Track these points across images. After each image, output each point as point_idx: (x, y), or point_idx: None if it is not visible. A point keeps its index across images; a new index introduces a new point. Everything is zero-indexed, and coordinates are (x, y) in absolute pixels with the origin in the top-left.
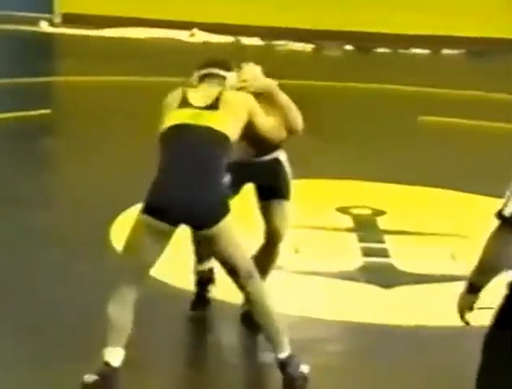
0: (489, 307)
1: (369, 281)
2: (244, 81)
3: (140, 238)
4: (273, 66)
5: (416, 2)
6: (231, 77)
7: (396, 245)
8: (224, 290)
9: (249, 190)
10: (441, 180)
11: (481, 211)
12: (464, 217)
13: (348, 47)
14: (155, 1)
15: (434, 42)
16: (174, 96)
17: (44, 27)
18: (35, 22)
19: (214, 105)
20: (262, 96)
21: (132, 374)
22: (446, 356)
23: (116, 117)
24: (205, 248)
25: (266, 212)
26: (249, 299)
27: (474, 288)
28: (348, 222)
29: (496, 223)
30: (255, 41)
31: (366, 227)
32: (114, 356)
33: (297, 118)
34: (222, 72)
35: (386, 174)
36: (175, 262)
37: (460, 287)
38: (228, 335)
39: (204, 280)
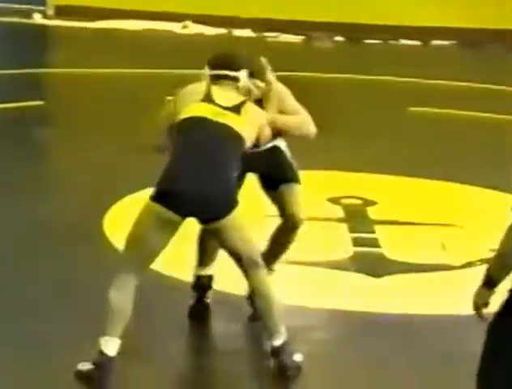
0: None
1: (359, 270)
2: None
3: (147, 227)
4: (264, 57)
5: None
6: (242, 77)
7: (387, 234)
8: (224, 281)
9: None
10: (431, 170)
11: (471, 201)
12: (454, 207)
13: (339, 38)
14: None
15: (425, 33)
16: (196, 89)
17: (37, 19)
18: (28, 14)
19: (236, 109)
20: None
21: (130, 364)
22: (436, 344)
23: (108, 108)
24: (213, 240)
25: (279, 201)
26: (252, 288)
27: (491, 282)
28: (339, 212)
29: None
30: (247, 33)
31: (357, 217)
32: (110, 345)
33: (306, 123)
34: (232, 73)
35: (376, 165)
36: (176, 254)
37: (450, 276)
38: (227, 324)
39: (203, 287)
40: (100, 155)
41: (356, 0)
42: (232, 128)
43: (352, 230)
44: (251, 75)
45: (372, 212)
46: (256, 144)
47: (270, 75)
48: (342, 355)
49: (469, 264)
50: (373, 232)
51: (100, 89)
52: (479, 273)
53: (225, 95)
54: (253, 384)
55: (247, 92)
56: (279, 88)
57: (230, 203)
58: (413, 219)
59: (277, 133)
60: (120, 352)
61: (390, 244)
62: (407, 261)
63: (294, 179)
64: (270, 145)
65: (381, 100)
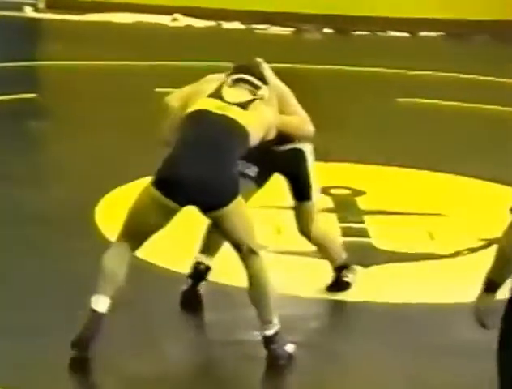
0: None
1: (348, 260)
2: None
3: (143, 208)
4: (253, 49)
5: None
6: (265, 90)
7: (375, 224)
8: (219, 272)
9: None
10: (419, 160)
11: (459, 191)
12: (442, 197)
13: (328, 30)
14: None
15: (412, 25)
16: (209, 85)
17: (28, 12)
18: (19, 7)
19: (243, 105)
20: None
21: (123, 356)
22: (425, 332)
23: (100, 100)
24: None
25: (294, 213)
26: (249, 276)
27: (492, 286)
28: (328, 202)
29: (510, 217)
30: (236, 25)
31: (346, 207)
32: (100, 302)
33: (305, 123)
34: (256, 81)
35: (365, 155)
36: (168, 245)
37: (438, 265)
38: (219, 314)
39: (199, 274)
40: (93, 146)
41: None
42: (234, 120)
43: (341, 220)
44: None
45: (361, 202)
46: (277, 143)
47: (270, 75)
48: (331, 343)
49: (457, 253)
50: (362, 222)
51: (92, 81)
52: (466, 262)
53: (235, 93)
54: (244, 373)
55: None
56: (282, 89)
57: (230, 192)
58: (402, 209)
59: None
60: (109, 343)
61: (379, 234)
62: (395, 250)
63: (307, 197)
64: (292, 146)
65: (370, 91)
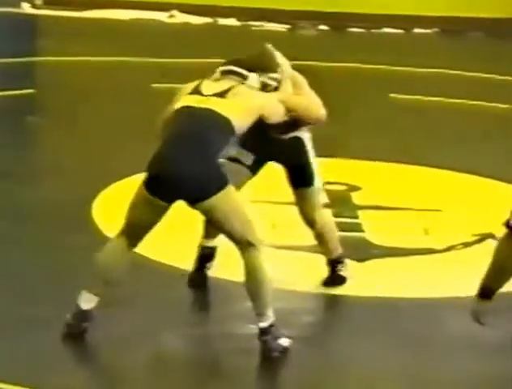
0: None
1: (343, 255)
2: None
3: (136, 206)
4: (250, 46)
5: None
6: (252, 77)
7: (370, 219)
8: (215, 266)
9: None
10: (412, 156)
11: (452, 186)
12: (436, 192)
13: (323, 27)
14: None
15: (407, 21)
16: (190, 85)
17: (26, 8)
18: (17, 4)
19: (221, 94)
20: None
21: (117, 349)
22: (419, 326)
23: (98, 96)
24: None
25: (296, 200)
26: (245, 268)
27: (487, 292)
28: (324, 198)
29: (504, 230)
30: (232, 22)
31: (341, 202)
32: (85, 299)
33: (315, 105)
34: (244, 71)
35: (360, 151)
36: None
37: (432, 259)
38: (217, 307)
39: (205, 257)
40: (90, 142)
41: None
42: (214, 111)
43: (336, 215)
44: (263, 71)
45: (356, 198)
46: (281, 131)
47: (284, 62)
48: (326, 337)
49: (451, 248)
50: (357, 217)
51: (89, 77)
52: (461, 257)
53: (214, 85)
54: (241, 367)
55: (263, 87)
56: (295, 76)
57: (215, 183)
58: (397, 204)
59: (294, 121)
60: (107, 338)
61: (374, 229)
62: (390, 245)
63: (309, 182)
64: (293, 135)
65: (365, 87)
